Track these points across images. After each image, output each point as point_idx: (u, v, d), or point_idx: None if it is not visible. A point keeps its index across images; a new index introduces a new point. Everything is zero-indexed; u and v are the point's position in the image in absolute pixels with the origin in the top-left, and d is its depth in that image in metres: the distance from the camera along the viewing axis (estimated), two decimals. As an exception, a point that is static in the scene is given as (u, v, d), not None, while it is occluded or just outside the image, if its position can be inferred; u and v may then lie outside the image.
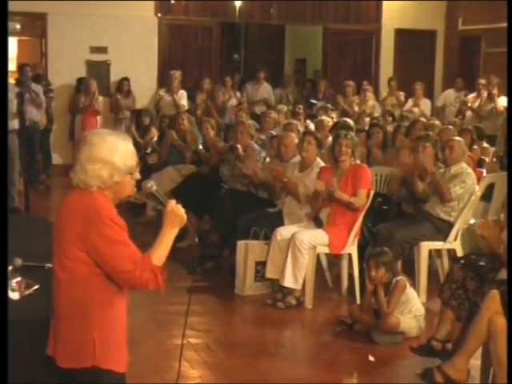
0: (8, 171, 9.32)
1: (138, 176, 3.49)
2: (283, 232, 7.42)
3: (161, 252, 3.44)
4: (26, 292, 4.07)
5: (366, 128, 10.84)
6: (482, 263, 5.77)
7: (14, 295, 4.12)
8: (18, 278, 4.20)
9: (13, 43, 17.68)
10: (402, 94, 14.61)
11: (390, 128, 10.66)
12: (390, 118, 11.90)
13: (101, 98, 13.91)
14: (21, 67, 13.16)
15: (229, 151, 9.39)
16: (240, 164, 8.93)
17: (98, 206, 3.33)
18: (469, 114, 13.58)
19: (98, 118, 13.82)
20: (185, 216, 3.53)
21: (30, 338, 3.68)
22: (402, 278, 6.43)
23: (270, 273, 7.44)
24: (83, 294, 3.34)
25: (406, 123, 10.35)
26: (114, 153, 3.37)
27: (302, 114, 12.33)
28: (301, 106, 12.91)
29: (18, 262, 4.42)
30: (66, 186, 3.49)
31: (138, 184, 3.56)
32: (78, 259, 3.32)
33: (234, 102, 14.31)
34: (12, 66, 18.16)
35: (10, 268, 4.27)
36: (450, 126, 9.57)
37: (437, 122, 10.36)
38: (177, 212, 3.50)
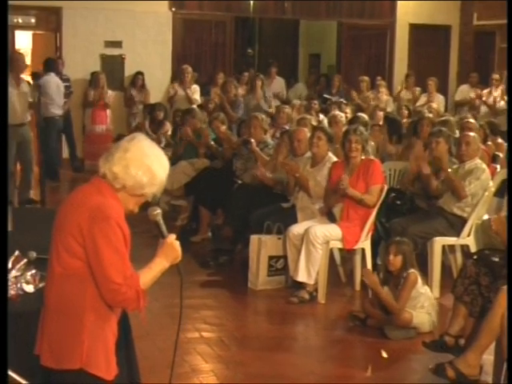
0: (9, 168, 9.37)
1: (150, 199, 3.49)
2: (294, 229, 7.42)
3: (147, 279, 3.38)
4: (41, 285, 4.09)
5: (380, 123, 10.84)
6: (495, 259, 5.75)
7: (28, 288, 4.15)
8: (33, 271, 4.22)
9: (27, 37, 17.73)
10: (418, 90, 14.58)
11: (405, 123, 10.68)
12: (406, 112, 11.88)
13: (110, 92, 13.94)
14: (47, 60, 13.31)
15: (242, 145, 9.40)
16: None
17: (108, 207, 3.29)
18: (483, 108, 13.57)
19: (107, 111, 13.85)
20: (180, 254, 3.48)
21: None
22: (413, 271, 6.43)
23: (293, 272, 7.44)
24: (76, 290, 3.28)
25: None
26: (159, 167, 3.40)
27: (314, 109, 12.33)
28: (316, 102, 12.91)
29: (33, 254, 4.45)
30: (78, 180, 3.50)
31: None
32: (74, 253, 3.27)
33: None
34: (27, 59, 18.23)
35: (24, 261, 4.30)
36: (472, 120, 9.51)
37: (452, 118, 10.33)
38: (175, 247, 3.47)
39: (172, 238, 3.47)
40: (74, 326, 3.28)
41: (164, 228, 3.50)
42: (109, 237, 3.24)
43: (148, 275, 3.38)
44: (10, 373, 3.42)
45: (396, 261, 6.42)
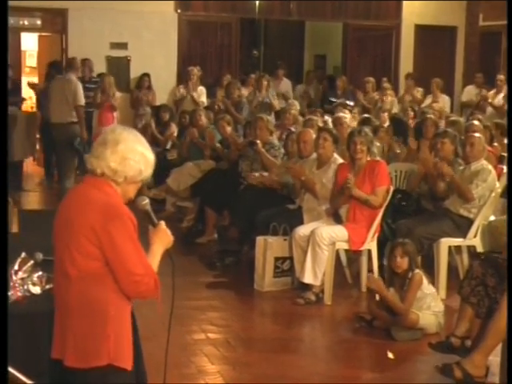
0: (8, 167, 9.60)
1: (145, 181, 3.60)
2: (300, 231, 7.42)
3: (154, 266, 3.45)
4: (47, 286, 4.09)
5: (385, 124, 10.83)
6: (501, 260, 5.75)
7: (35, 289, 4.15)
8: (40, 273, 4.22)
9: (33, 39, 17.78)
10: (419, 91, 14.54)
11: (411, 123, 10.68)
12: (412, 113, 11.88)
13: (118, 94, 13.89)
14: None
15: (248, 147, 9.40)
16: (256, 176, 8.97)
17: (117, 204, 3.37)
18: (489, 109, 13.55)
19: (114, 113, 13.82)
20: (172, 239, 3.59)
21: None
22: (418, 272, 6.43)
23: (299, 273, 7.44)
24: (96, 289, 3.32)
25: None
26: (148, 151, 3.49)
27: (318, 112, 12.33)
28: (315, 108, 12.93)
29: (39, 256, 4.46)
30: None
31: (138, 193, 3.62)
32: (89, 254, 3.30)
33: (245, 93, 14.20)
34: (33, 61, 18.30)
35: (31, 262, 4.31)
36: (476, 122, 9.51)
37: (461, 119, 10.34)
38: (167, 233, 3.58)
39: (163, 225, 3.58)
40: (98, 323, 3.32)
41: (154, 216, 3.60)
42: (124, 232, 3.31)
43: (154, 263, 3.46)
44: (13, 371, 3.43)
45: (402, 262, 6.42)
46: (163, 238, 3.55)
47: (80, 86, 11.35)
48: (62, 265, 3.39)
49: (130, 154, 3.40)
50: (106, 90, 13.75)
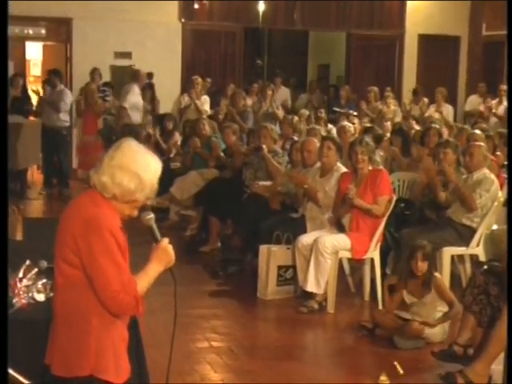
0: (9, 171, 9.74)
1: (147, 203, 3.47)
2: (303, 239, 7.43)
3: (143, 284, 3.36)
4: (51, 294, 4.12)
5: (388, 134, 10.85)
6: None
7: (39, 297, 4.18)
8: (44, 280, 4.25)
9: (38, 48, 17.84)
10: (425, 103, 14.55)
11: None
12: (414, 122, 11.89)
13: (100, 101, 13.85)
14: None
15: (253, 152, 9.43)
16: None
17: (101, 217, 3.28)
18: (493, 119, 13.57)
19: (98, 121, 13.86)
20: (174, 258, 3.47)
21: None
22: (437, 274, 6.54)
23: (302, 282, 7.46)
24: (78, 299, 3.28)
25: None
26: (146, 171, 3.35)
27: (323, 119, 12.36)
28: (322, 110, 12.93)
29: (44, 264, 4.48)
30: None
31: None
32: (71, 263, 3.27)
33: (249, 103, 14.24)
34: (37, 71, 18.35)
35: (35, 270, 4.33)
36: (478, 131, 9.53)
37: (465, 127, 10.37)
38: (168, 251, 3.46)
39: (165, 242, 3.46)
40: (80, 333, 3.29)
41: (157, 232, 3.49)
42: (103, 246, 3.23)
43: (144, 280, 3.37)
44: (12, 372, 3.45)
45: (423, 266, 6.40)
46: (163, 256, 3.44)
47: (131, 91, 12.97)
48: (54, 273, 3.39)
49: (119, 172, 3.31)
50: (88, 98, 13.79)
